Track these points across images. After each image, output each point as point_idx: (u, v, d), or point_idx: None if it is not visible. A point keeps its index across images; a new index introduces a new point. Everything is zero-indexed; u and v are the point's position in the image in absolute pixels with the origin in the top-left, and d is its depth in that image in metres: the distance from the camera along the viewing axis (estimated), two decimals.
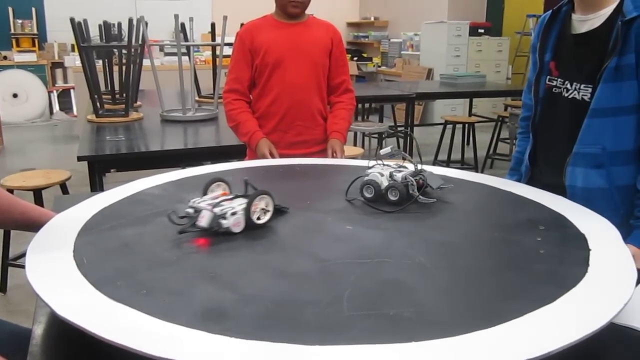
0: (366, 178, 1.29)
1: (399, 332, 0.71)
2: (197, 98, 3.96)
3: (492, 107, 7.23)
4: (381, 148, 1.37)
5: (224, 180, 1.22)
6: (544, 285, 0.85)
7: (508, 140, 5.46)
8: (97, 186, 2.32)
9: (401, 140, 5.78)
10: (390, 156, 1.33)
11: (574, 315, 0.75)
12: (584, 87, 1.36)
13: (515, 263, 0.94)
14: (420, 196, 1.25)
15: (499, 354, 0.66)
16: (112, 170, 2.48)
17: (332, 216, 1.17)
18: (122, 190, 1.33)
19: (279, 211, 1.17)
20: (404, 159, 1.37)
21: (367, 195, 1.27)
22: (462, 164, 5.29)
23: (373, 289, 0.83)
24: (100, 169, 2.40)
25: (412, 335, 0.70)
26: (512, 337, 0.70)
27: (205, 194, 1.17)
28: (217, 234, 1.04)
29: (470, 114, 6.41)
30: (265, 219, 1.11)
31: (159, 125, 3.07)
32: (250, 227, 1.08)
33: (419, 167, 1.32)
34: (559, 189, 1.34)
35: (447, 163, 5.06)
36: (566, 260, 0.94)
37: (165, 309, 0.77)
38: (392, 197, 1.25)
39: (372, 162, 1.37)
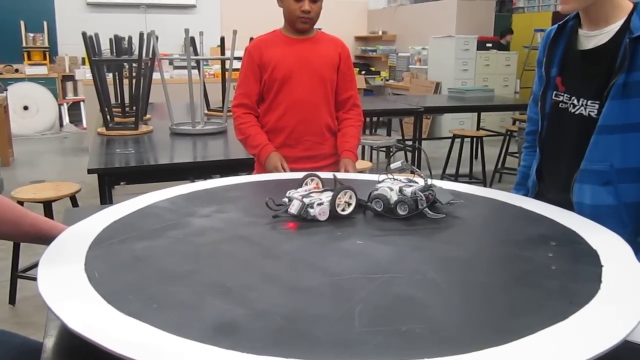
0: (375, 192, 1.29)
1: (411, 349, 0.71)
2: (206, 111, 3.99)
3: (501, 122, 7.23)
4: (390, 162, 1.37)
5: (317, 176, 1.39)
6: (557, 302, 0.84)
7: (517, 154, 5.45)
8: (106, 199, 2.33)
9: (409, 154, 5.78)
10: (400, 171, 1.33)
11: (588, 332, 0.75)
12: (591, 103, 1.35)
13: (527, 279, 0.94)
14: (429, 211, 1.24)
15: None
16: (121, 183, 2.48)
17: (342, 230, 1.17)
18: (132, 203, 1.34)
19: (361, 205, 1.29)
20: (413, 173, 1.37)
21: (377, 209, 1.27)
22: (471, 178, 5.28)
23: (384, 305, 0.83)
24: (110, 181, 2.41)
25: (424, 352, 0.70)
26: (525, 354, 0.70)
27: (300, 186, 1.35)
28: (305, 220, 1.21)
29: (478, 128, 6.41)
30: (348, 210, 1.26)
31: (168, 138, 3.09)
32: (335, 217, 1.23)
33: (429, 182, 1.32)
34: (566, 205, 1.33)
35: (456, 177, 5.05)
36: (578, 277, 0.94)
37: (176, 323, 0.77)
38: (401, 212, 1.25)
39: (382, 176, 1.37)
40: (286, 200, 1.26)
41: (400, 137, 6.42)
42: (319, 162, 2.13)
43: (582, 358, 0.68)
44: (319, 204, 1.22)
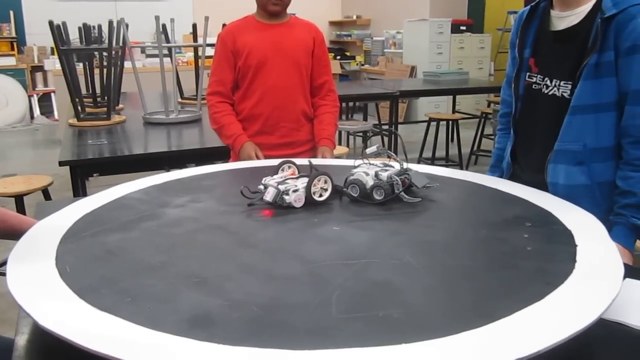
0: (351, 177, 1.29)
1: (389, 334, 0.70)
2: (179, 100, 3.93)
3: (476, 104, 7.26)
4: (367, 147, 1.36)
5: (293, 163, 1.38)
6: (533, 283, 0.85)
7: (492, 137, 5.49)
8: (79, 191, 2.29)
9: (386, 139, 5.79)
10: (376, 155, 1.33)
11: (564, 311, 0.75)
12: (564, 84, 1.36)
13: (504, 261, 0.94)
14: (406, 195, 1.24)
15: (489, 354, 0.66)
16: (94, 174, 2.44)
17: (318, 217, 1.16)
18: (104, 195, 1.31)
19: (337, 191, 1.29)
20: (389, 157, 1.36)
21: (353, 194, 1.26)
22: (447, 161, 5.30)
23: (361, 291, 0.83)
24: (83, 173, 2.37)
25: (402, 337, 0.69)
26: (502, 336, 0.70)
27: (276, 173, 1.33)
28: (281, 207, 1.20)
29: (454, 111, 6.44)
30: (324, 196, 1.25)
31: (141, 128, 3.04)
32: (311, 204, 1.22)
33: (405, 166, 1.32)
34: (540, 186, 1.34)
35: (432, 160, 5.07)
36: (554, 257, 0.94)
37: (150, 316, 0.75)
38: (378, 197, 1.25)
39: (358, 162, 1.36)
40: (262, 187, 1.25)
41: (377, 122, 6.41)
42: (296, 149, 2.11)
43: (558, 338, 0.68)
44: (295, 191, 1.21)
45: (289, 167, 1.38)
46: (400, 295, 0.82)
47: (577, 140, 1.32)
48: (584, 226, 1.08)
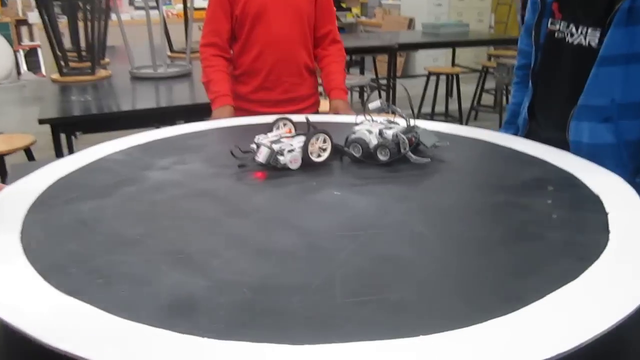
0: (353, 136, 1.17)
1: (403, 323, 0.60)
2: (169, 54, 3.77)
3: (475, 58, 7.08)
4: (367, 102, 1.23)
5: (289, 119, 1.26)
6: (563, 258, 0.74)
7: (493, 92, 5.34)
8: (62, 152, 2.17)
9: (383, 94, 5.63)
10: (379, 111, 1.20)
11: (604, 294, 0.65)
12: (592, 31, 1.22)
13: (527, 231, 0.83)
14: (413, 155, 1.13)
15: (524, 349, 0.55)
16: (77, 133, 2.31)
17: (317, 180, 1.05)
18: (81, 156, 1.19)
19: (338, 150, 1.16)
20: (393, 113, 1.24)
21: (355, 154, 1.15)
22: (446, 116, 5.17)
23: (369, 268, 0.72)
24: (66, 132, 2.24)
25: (418, 326, 0.59)
26: (536, 325, 0.59)
27: (270, 131, 1.20)
28: (275, 169, 1.09)
29: (453, 65, 6.26)
30: (323, 157, 1.13)
31: (128, 83, 2.89)
32: (308, 165, 1.10)
33: (411, 122, 1.20)
34: (560, 145, 1.22)
35: (432, 116, 4.94)
36: (583, 226, 0.84)
37: (124, 301, 0.65)
38: (382, 157, 1.13)
39: (359, 118, 1.24)
40: (254, 147, 1.13)
41: (374, 77, 6.24)
42: (300, 104, 1.98)
43: (605, 326, 0.58)
44: (290, 151, 1.10)
45: (284, 125, 1.26)
46: (413, 273, 0.71)
47: (604, 95, 1.19)
48: (613, 190, 0.97)
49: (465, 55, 7.05)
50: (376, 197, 0.96)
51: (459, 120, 4.96)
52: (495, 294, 0.66)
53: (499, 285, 0.68)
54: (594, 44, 1.21)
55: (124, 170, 1.11)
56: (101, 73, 3.01)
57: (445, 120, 4.91)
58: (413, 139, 1.15)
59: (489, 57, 5.82)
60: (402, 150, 1.13)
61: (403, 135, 1.13)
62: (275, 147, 1.09)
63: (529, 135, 1.39)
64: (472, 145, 1.27)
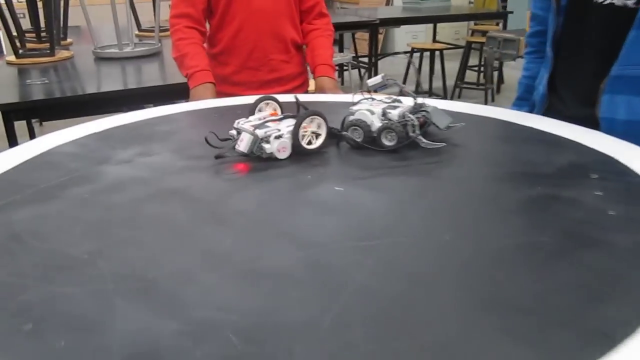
0: (352, 117, 0.98)
1: None
2: (137, 33, 3.52)
3: (455, 34, 6.92)
4: (368, 78, 1.04)
5: (275, 99, 1.07)
6: None
7: (476, 68, 5.18)
8: (16, 142, 1.94)
9: (365, 73, 5.43)
10: (380, 88, 1.02)
11: None
12: None
13: (584, 234, 0.66)
14: (424, 139, 0.94)
15: None
16: (33, 120, 2.08)
17: (312, 172, 0.87)
18: (23, 150, 0.99)
19: (334, 135, 0.98)
20: (400, 90, 1.06)
21: (355, 139, 0.97)
22: (430, 95, 5.00)
23: (396, 295, 0.54)
24: (21, 118, 2.01)
25: None
26: None
27: (253, 114, 1.02)
28: (260, 159, 0.91)
29: (434, 42, 6.08)
30: (317, 143, 0.95)
31: (92, 65, 2.66)
32: (300, 154, 0.93)
33: (419, 100, 1.01)
34: (588, 123, 1.05)
35: (416, 93, 4.77)
36: None
37: (60, 359, 0.46)
38: (388, 142, 0.95)
39: (357, 96, 1.05)
40: (233, 133, 0.94)
41: (354, 55, 6.03)
42: (287, 85, 1.78)
43: None
44: (277, 137, 0.91)
45: (268, 105, 1.07)
46: (451, 301, 0.53)
47: None
48: None
49: (445, 32, 6.88)
50: (387, 193, 0.78)
51: (444, 98, 4.80)
52: (568, 329, 0.49)
53: (570, 316, 0.51)
54: (630, 3, 1.03)
55: (75, 165, 0.91)
56: (62, 54, 2.77)
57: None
58: (423, 119, 0.97)
59: (472, 32, 5.65)
60: (412, 134, 0.95)
61: (412, 116, 0.95)
62: (260, 132, 0.90)
63: (549, 112, 1.21)
64: (489, 125, 1.09)
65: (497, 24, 5.45)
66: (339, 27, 4.84)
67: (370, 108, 0.98)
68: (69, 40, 3.26)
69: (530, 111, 1.29)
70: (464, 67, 5.06)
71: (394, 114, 0.96)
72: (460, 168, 0.88)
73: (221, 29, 1.71)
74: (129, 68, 2.58)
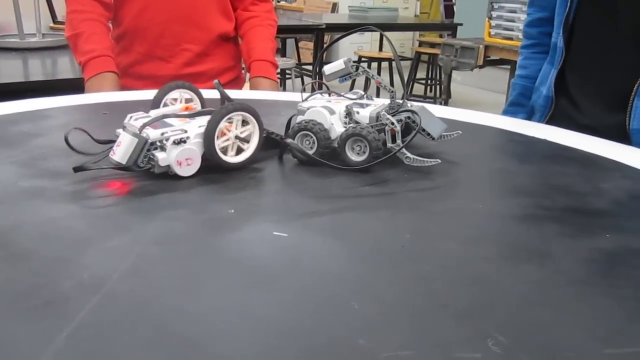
0: (301, 118, 0.66)
1: None
2: (52, 25, 3.09)
3: (400, 46, 6.76)
4: (312, 89, 0.73)
5: (193, 88, 0.72)
6: None
7: (422, 81, 4.98)
8: None
9: (309, 83, 5.14)
10: (343, 77, 0.70)
11: None
12: None
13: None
14: (410, 154, 0.63)
15: None
16: None
17: (234, 205, 0.53)
18: None
19: (272, 144, 0.66)
20: (378, 83, 0.74)
21: (305, 151, 0.64)
22: None
23: None
24: None
25: None
26: None
27: (158, 106, 0.69)
28: (150, 176, 0.57)
29: (380, 51, 5.87)
30: (244, 155, 0.62)
31: None
32: (216, 170, 0.60)
33: (399, 100, 0.70)
34: (612, 134, 0.78)
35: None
36: None
37: None
38: (355, 157, 0.63)
39: (308, 90, 0.73)
40: (119, 132, 0.59)
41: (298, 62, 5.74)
42: (208, 83, 1.41)
43: None
44: (178, 142, 0.58)
45: (182, 95, 0.72)
46: None
47: None
48: None
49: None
50: (354, 242, 0.46)
51: None
52: None
53: None
54: None
55: None
56: None
57: None
58: (411, 124, 0.66)
59: (420, 43, 5.46)
60: (391, 144, 0.63)
61: (391, 117, 0.63)
62: (152, 133, 0.57)
63: (555, 120, 0.93)
64: (492, 135, 0.79)
65: (441, 36, 5.29)
66: (282, 30, 4.53)
67: (328, 105, 0.66)
68: None
69: (528, 118, 1.00)
70: (412, 79, 4.84)
71: (364, 114, 0.65)
72: (467, 199, 0.57)
73: (123, 5, 1.34)
74: (35, 60, 2.20)
